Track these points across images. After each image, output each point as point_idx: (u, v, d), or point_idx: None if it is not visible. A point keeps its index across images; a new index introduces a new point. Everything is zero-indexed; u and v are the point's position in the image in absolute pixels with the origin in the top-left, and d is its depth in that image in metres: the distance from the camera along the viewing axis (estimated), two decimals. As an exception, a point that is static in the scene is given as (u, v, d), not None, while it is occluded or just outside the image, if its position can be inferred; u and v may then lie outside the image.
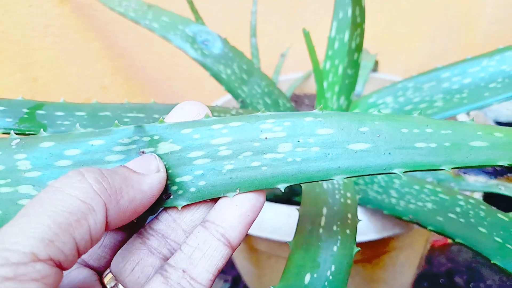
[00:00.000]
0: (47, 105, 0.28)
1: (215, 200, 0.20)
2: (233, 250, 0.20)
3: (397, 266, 0.51)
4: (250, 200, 0.20)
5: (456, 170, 0.42)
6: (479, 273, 0.71)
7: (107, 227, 0.17)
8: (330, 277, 0.26)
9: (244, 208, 0.20)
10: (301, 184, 0.34)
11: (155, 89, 0.77)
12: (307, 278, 0.25)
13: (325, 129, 0.20)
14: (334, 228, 0.29)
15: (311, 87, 0.74)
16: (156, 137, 0.20)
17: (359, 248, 0.28)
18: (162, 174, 0.19)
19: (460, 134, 0.19)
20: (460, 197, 0.34)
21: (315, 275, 0.26)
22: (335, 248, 0.28)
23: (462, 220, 0.32)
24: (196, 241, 0.19)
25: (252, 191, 0.20)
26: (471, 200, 0.33)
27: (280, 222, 0.43)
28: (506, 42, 0.40)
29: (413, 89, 0.42)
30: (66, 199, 0.15)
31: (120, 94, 0.73)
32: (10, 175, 0.19)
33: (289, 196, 0.52)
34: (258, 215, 0.20)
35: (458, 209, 0.33)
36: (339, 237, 0.28)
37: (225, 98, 0.64)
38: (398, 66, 0.90)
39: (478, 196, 0.46)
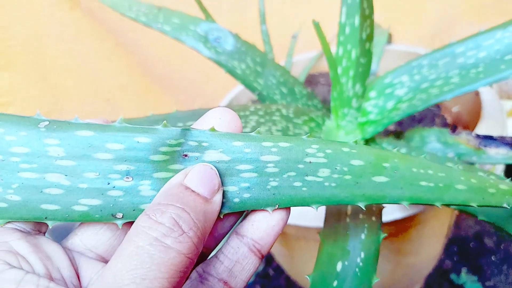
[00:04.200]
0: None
1: (243, 212, 0.22)
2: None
3: (424, 238, 0.52)
4: (283, 219, 0.21)
5: (477, 143, 0.42)
6: (508, 234, 0.72)
7: None
8: (361, 264, 0.27)
9: (279, 227, 0.21)
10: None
11: (169, 83, 0.78)
12: (339, 266, 0.27)
13: (358, 161, 0.22)
14: (360, 216, 0.31)
15: (325, 66, 0.74)
16: (205, 144, 0.20)
17: (385, 234, 0.29)
18: (221, 192, 0.20)
19: (450, 178, 0.23)
20: (481, 174, 0.35)
21: (346, 263, 0.27)
22: (362, 236, 0.29)
23: (484, 197, 0.33)
24: (236, 256, 0.21)
25: (285, 208, 0.21)
26: (492, 177, 0.34)
27: (305, 208, 0.44)
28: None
29: (428, 66, 0.42)
30: (178, 259, 0.16)
31: (136, 91, 0.75)
32: (37, 160, 0.19)
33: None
34: None
35: (480, 186, 0.34)
36: (366, 225, 0.30)
37: (239, 88, 0.65)
38: (411, 32, 0.88)
39: (500, 168, 0.47)
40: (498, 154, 0.40)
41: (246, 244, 0.21)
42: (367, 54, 0.37)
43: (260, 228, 0.21)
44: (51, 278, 0.18)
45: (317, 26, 0.37)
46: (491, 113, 0.49)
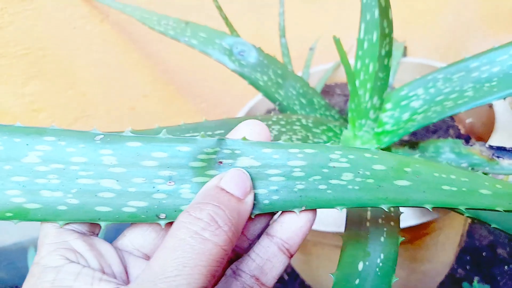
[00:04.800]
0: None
1: (274, 212, 0.24)
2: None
3: (438, 245, 0.54)
4: (309, 220, 0.23)
5: (490, 154, 0.44)
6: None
7: None
8: (381, 264, 0.29)
9: (306, 228, 0.23)
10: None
11: (191, 92, 0.81)
12: (360, 265, 0.29)
13: (379, 166, 0.23)
14: (380, 221, 0.32)
15: (341, 77, 0.76)
16: (237, 152, 0.23)
17: (403, 238, 0.31)
18: (253, 193, 0.22)
19: (474, 183, 0.23)
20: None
21: (367, 263, 0.29)
22: (382, 239, 0.31)
23: (497, 205, 0.34)
24: (266, 254, 0.23)
25: (312, 210, 0.23)
26: (505, 186, 0.35)
27: (323, 214, 0.46)
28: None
29: (443, 80, 0.44)
30: (214, 250, 0.18)
31: (160, 99, 0.78)
32: (93, 168, 0.21)
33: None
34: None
35: (493, 195, 0.35)
36: (385, 229, 0.32)
37: (258, 97, 0.67)
38: (426, 44, 0.90)
39: (513, 178, 0.48)
40: (511, 165, 0.41)
41: (275, 243, 0.23)
42: (385, 69, 0.39)
43: (289, 228, 0.23)
44: (103, 273, 0.20)
45: (337, 42, 0.40)
46: (504, 125, 0.50)
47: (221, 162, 0.23)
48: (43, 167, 0.21)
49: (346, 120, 0.53)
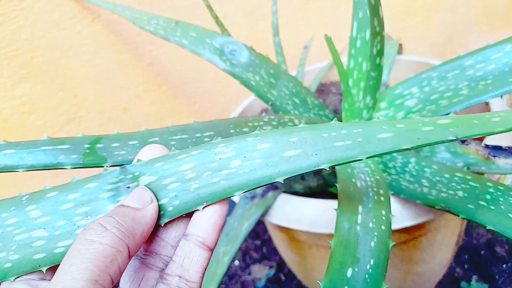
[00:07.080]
0: (104, 138, 0.32)
1: (190, 215, 0.25)
2: (212, 251, 0.25)
3: (434, 246, 0.53)
4: (217, 211, 0.25)
5: (486, 154, 0.43)
6: (518, 244, 0.72)
7: (129, 258, 0.22)
8: (370, 270, 0.28)
9: (215, 219, 0.25)
10: (337, 185, 0.37)
11: (184, 92, 0.80)
12: (349, 272, 0.28)
13: (264, 144, 0.25)
14: (370, 225, 0.32)
15: (336, 75, 0.75)
16: (136, 173, 0.25)
17: (394, 243, 0.30)
18: (155, 203, 0.24)
19: (369, 131, 0.24)
20: (489, 184, 0.36)
21: (356, 269, 0.28)
22: (372, 244, 0.30)
23: (492, 207, 0.33)
24: (183, 252, 0.25)
25: (217, 202, 0.24)
26: (500, 187, 0.35)
27: (317, 216, 0.45)
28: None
29: (438, 78, 0.43)
30: (100, 247, 0.20)
31: (153, 100, 0.77)
32: (24, 224, 0.24)
33: (324, 188, 0.54)
34: (225, 218, 0.25)
35: (488, 196, 0.35)
36: (375, 233, 0.31)
37: (252, 97, 0.66)
38: (421, 41, 0.89)
39: (511, 178, 0.47)
40: (507, 164, 0.41)
41: (190, 240, 0.25)
42: (377, 68, 0.38)
43: (199, 224, 0.25)
44: None
45: (329, 40, 0.39)
46: (500, 123, 0.49)
47: (129, 187, 0.25)
48: None
49: (340, 120, 0.52)
